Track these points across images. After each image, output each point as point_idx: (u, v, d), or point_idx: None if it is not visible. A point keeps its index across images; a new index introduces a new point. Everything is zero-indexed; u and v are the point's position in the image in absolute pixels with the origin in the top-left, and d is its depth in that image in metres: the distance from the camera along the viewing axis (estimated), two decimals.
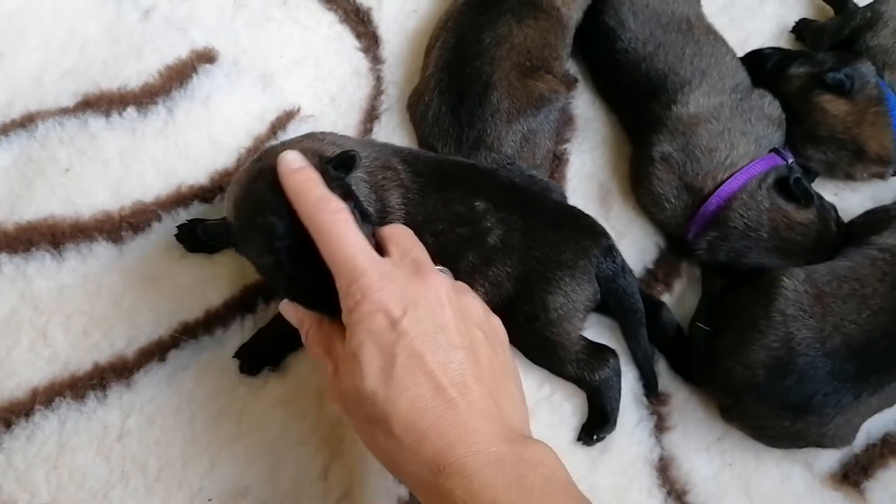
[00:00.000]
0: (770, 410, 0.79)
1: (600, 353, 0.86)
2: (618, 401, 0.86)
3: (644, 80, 0.98)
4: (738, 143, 0.87)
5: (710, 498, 0.82)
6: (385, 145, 0.91)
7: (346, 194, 0.73)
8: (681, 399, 0.88)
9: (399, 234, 0.70)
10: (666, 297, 0.95)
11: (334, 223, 0.65)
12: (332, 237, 0.64)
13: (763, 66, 0.99)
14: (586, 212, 0.97)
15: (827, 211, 0.85)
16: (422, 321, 0.62)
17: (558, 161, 1.05)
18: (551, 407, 0.88)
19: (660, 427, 0.87)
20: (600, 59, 1.05)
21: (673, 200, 0.88)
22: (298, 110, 1.06)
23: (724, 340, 0.83)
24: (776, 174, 0.86)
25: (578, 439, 0.86)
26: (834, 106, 0.90)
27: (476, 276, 0.85)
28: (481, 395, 0.61)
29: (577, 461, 0.85)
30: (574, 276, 0.85)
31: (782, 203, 0.85)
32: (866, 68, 0.92)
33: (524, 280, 0.85)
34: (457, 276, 0.84)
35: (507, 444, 0.58)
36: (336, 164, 0.74)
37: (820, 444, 0.81)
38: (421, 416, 0.59)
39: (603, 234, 0.89)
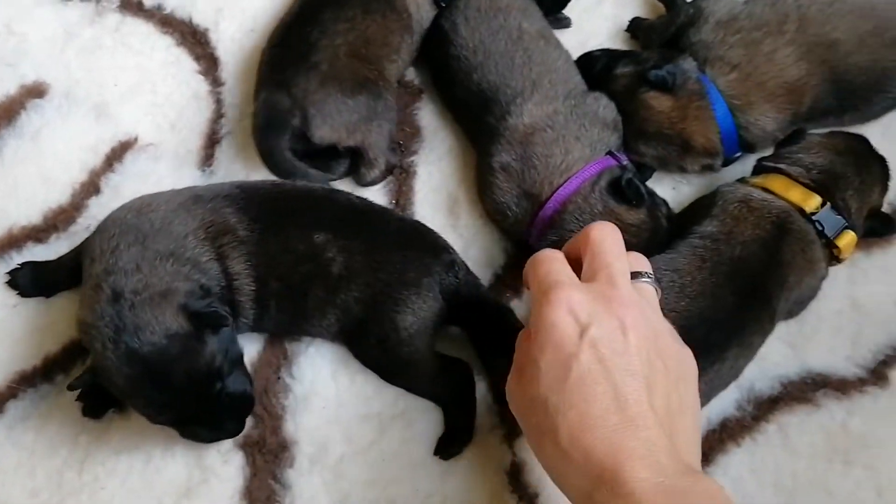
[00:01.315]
0: None
1: (453, 366, 0.87)
2: (473, 413, 0.86)
3: (477, 92, 0.98)
4: (573, 148, 0.88)
5: (561, 499, 0.82)
6: (217, 194, 0.89)
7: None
8: None
9: (601, 243, 0.68)
10: (515, 302, 0.95)
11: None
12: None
13: (593, 69, 1.00)
14: (435, 222, 0.98)
15: (658, 208, 0.87)
16: (604, 339, 0.61)
17: (406, 174, 1.04)
18: (405, 423, 0.88)
19: (511, 433, 0.87)
20: (438, 66, 1.06)
21: (514, 208, 0.89)
22: (136, 139, 1.04)
23: None
24: (609, 176, 0.87)
25: (436, 453, 0.85)
26: (659, 102, 0.92)
27: (325, 307, 0.86)
28: (654, 423, 0.59)
29: (429, 474, 0.85)
30: (420, 294, 0.85)
31: (614, 205, 0.86)
32: (688, 64, 0.94)
33: (372, 303, 0.85)
34: (306, 311, 0.86)
35: (679, 476, 0.57)
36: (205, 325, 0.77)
37: None
38: (588, 432, 0.59)
39: (445, 249, 0.90)
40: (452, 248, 0.92)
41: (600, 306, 0.62)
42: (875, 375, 0.89)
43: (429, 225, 0.98)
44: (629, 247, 0.82)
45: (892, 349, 0.91)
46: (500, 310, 0.91)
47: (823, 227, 0.84)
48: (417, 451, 0.87)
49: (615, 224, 0.82)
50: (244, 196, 0.88)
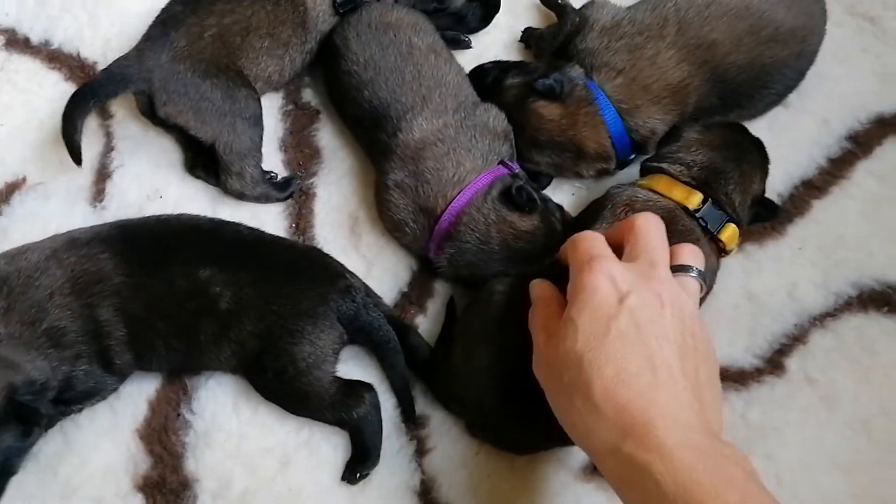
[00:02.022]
0: (501, 415, 0.82)
1: (356, 390, 0.86)
2: (379, 435, 0.86)
3: (369, 108, 0.98)
4: (465, 160, 0.89)
5: None
6: (94, 236, 0.88)
7: None
8: (438, 419, 0.89)
9: (646, 231, 0.72)
10: (421, 319, 0.95)
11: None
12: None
13: (485, 81, 1.01)
14: (336, 244, 0.99)
15: (551, 213, 0.88)
16: (642, 307, 0.65)
17: (305, 196, 1.04)
18: (310, 450, 0.88)
19: (420, 451, 0.88)
20: (332, 83, 1.05)
21: (412, 224, 0.89)
22: (24, 179, 1.01)
23: (457, 352, 0.84)
24: (501, 185, 0.87)
25: (343, 478, 0.84)
26: (548, 111, 0.93)
27: (220, 342, 0.85)
28: (685, 387, 0.62)
29: (338, 499, 0.85)
30: (316, 323, 0.85)
31: (507, 214, 0.86)
32: (574, 72, 0.95)
33: (268, 335, 0.85)
34: (200, 347, 0.85)
35: (708, 437, 0.60)
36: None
37: (561, 443, 0.83)
38: (623, 387, 0.62)
39: (340, 274, 0.90)
40: (349, 272, 0.91)
41: (640, 280, 0.66)
42: (772, 364, 0.91)
43: (330, 247, 0.98)
44: (524, 254, 0.83)
45: (786, 338, 0.93)
46: (401, 327, 0.90)
47: (707, 223, 0.84)
48: (324, 478, 0.86)
49: (511, 233, 0.83)
50: (123, 237, 0.87)
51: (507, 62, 1.06)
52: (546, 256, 0.89)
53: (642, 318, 0.64)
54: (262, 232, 0.93)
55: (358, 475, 0.84)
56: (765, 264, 0.98)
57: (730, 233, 0.86)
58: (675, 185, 0.86)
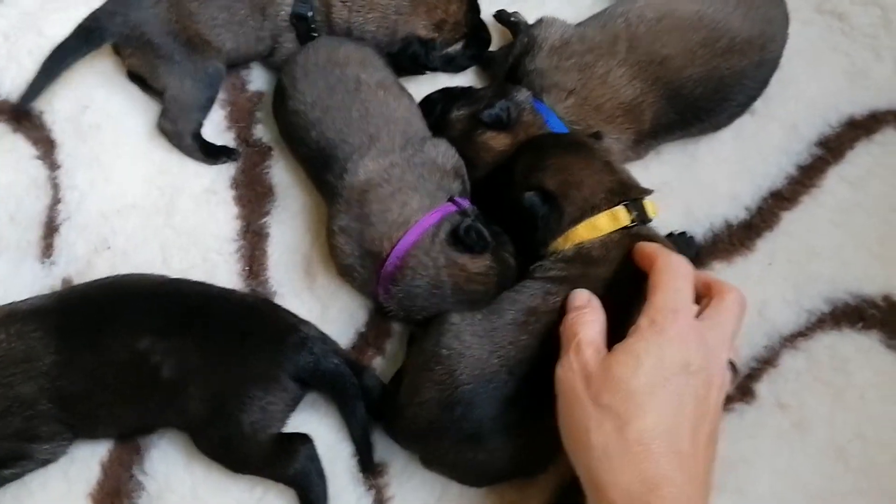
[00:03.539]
0: (452, 446, 0.79)
1: (290, 444, 0.84)
2: (321, 485, 0.83)
3: (317, 149, 0.95)
4: (411, 200, 0.86)
5: None
6: (31, 310, 0.87)
7: None
8: (399, 465, 0.86)
9: (732, 302, 0.74)
10: (378, 360, 0.93)
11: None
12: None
13: (432, 113, 0.97)
14: (291, 286, 0.97)
15: (504, 248, 0.84)
16: (700, 386, 0.67)
17: (258, 236, 1.01)
18: None
19: (379, 500, 0.85)
20: (282, 123, 1.03)
21: (359, 269, 0.86)
22: None
23: (404, 386, 0.82)
24: (449, 225, 0.83)
25: None
26: (497, 142, 0.90)
27: (166, 409, 0.84)
28: (705, 470, 0.66)
29: None
30: (267, 388, 0.83)
31: (457, 256, 0.83)
32: (522, 95, 0.92)
33: (215, 401, 0.83)
34: (146, 412, 0.84)
35: None
36: None
37: (515, 472, 0.82)
38: (659, 441, 0.63)
39: (292, 329, 0.87)
40: (303, 323, 0.89)
41: (708, 356, 0.68)
42: (741, 391, 0.88)
43: (285, 289, 0.97)
44: (478, 296, 0.80)
45: (756, 361, 0.90)
46: (356, 369, 0.88)
47: (644, 219, 0.84)
48: None
49: (462, 276, 0.80)
50: (61, 310, 0.86)
51: (454, 90, 1.02)
52: (501, 292, 0.85)
53: (697, 393, 0.66)
54: (209, 287, 0.91)
55: None
56: (734, 282, 0.93)
57: (650, 205, 0.84)
58: (600, 220, 0.82)
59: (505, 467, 0.80)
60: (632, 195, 0.83)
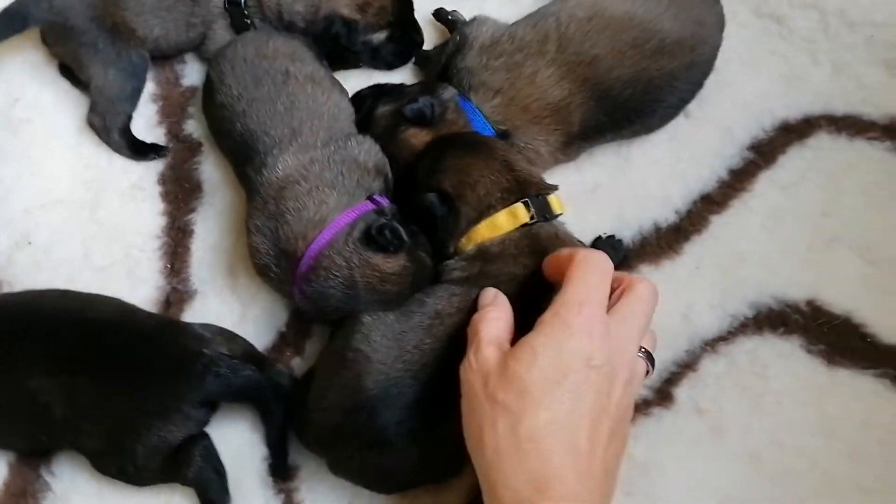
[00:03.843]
0: (357, 452, 0.78)
1: (186, 450, 0.82)
2: (220, 481, 0.82)
3: (240, 142, 0.94)
4: (328, 198, 0.84)
5: None
6: None
7: None
8: (310, 469, 0.85)
9: (644, 293, 0.72)
10: (297, 361, 0.91)
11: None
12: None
13: (360, 110, 0.96)
14: (213, 284, 0.97)
15: (421, 246, 0.82)
16: (603, 380, 0.64)
17: (182, 233, 1.00)
18: None
19: None
20: (209, 117, 1.02)
21: (275, 269, 0.84)
22: None
23: (312, 389, 0.81)
24: (364, 224, 0.81)
25: None
26: (418, 139, 0.89)
27: (60, 442, 0.83)
28: (601, 469, 0.64)
29: None
30: (167, 418, 0.81)
31: (370, 256, 0.81)
32: (447, 93, 0.91)
33: (111, 436, 0.81)
34: (42, 446, 0.84)
35: None
36: None
37: (424, 478, 0.81)
38: (551, 439, 0.61)
39: (197, 354, 0.83)
40: (208, 341, 0.86)
41: (613, 350, 0.66)
42: (660, 395, 0.87)
43: (206, 287, 0.97)
44: (393, 296, 0.78)
45: (676, 365, 0.89)
46: (273, 384, 0.86)
47: (546, 215, 0.84)
48: None
49: (376, 277, 0.79)
50: None
51: (384, 87, 1.01)
52: (415, 292, 0.83)
53: (598, 390, 0.64)
54: (111, 306, 0.89)
55: None
56: (660, 286, 0.92)
57: (555, 202, 0.84)
58: (499, 218, 0.82)
59: (413, 473, 0.79)
60: (531, 192, 0.82)
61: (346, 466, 0.81)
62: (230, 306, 0.93)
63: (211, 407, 0.82)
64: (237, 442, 0.87)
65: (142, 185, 1.04)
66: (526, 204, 0.80)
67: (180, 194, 1.02)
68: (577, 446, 0.62)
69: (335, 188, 0.87)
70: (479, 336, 0.69)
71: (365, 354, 0.77)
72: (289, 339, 0.94)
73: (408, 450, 0.75)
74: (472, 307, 0.77)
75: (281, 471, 0.84)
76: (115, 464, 0.79)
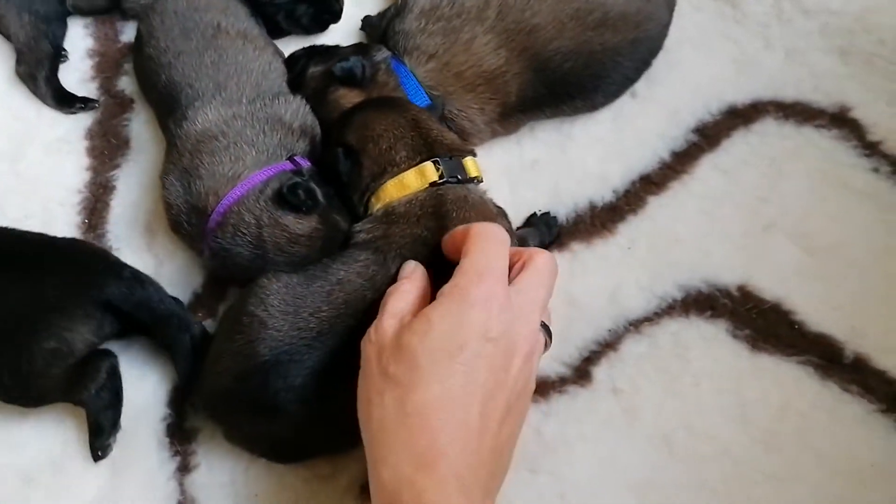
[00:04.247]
0: (247, 419, 0.75)
1: (92, 363, 0.79)
2: (115, 410, 0.80)
3: (164, 94, 0.92)
4: (245, 155, 0.82)
5: None
6: None
7: None
8: (208, 433, 0.82)
9: (544, 264, 0.69)
10: (209, 323, 0.88)
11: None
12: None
13: (293, 71, 0.94)
14: (131, 242, 0.95)
15: (336, 210, 0.80)
16: (500, 354, 0.62)
17: (103, 189, 0.98)
18: (55, 470, 0.83)
19: (183, 468, 0.82)
20: (138, 71, 1.00)
21: (186, 225, 0.82)
22: None
23: (209, 353, 0.78)
24: (279, 183, 0.78)
25: (94, 458, 0.80)
26: (347, 100, 0.87)
27: None
28: (491, 446, 0.61)
29: None
30: (64, 313, 0.79)
31: (280, 216, 0.79)
32: (380, 55, 0.89)
33: (8, 333, 0.78)
34: None
35: (486, 501, 0.60)
36: None
37: (320, 449, 0.78)
38: (440, 413, 0.58)
39: (100, 256, 0.85)
40: (119, 260, 0.86)
41: (512, 324, 0.63)
42: (578, 373, 0.85)
43: (122, 244, 0.95)
44: (301, 258, 0.75)
45: (597, 344, 0.86)
46: (182, 319, 0.84)
47: (458, 176, 0.80)
48: (68, 499, 0.82)
49: (284, 237, 0.76)
50: None
51: (318, 48, 0.98)
52: (325, 255, 0.81)
53: (494, 363, 0.61)
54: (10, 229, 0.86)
55: (98, 452, 0.78)
56: (590, 265, 0.91)
57: (470, 165, 0.81)
58: (408, 177, 0.79)
59: (307, 443, 0.77)
60: (440, 152, 0.77)
61: (239, 433, 0.78)
62: (145, 263, 0.91)
63: (116, 320, 0.80)
64: (138, 400, 0.84)
65: (68, 139, 1.01)
66: (436, 163, 0.76)
67: (106, 150, 1.00)
68: (468, 422, 0.59)
69: (254, 146, 0.85)
70: (385, 309, 0.66)
71: (260, 319, 0.74)
72: (203, 300, 0.91)
73: (300, 418, 0.72)
74: (373, 276, 0.75)
75: (188, 398, 0.84)
76: (9, 368, 0.75)
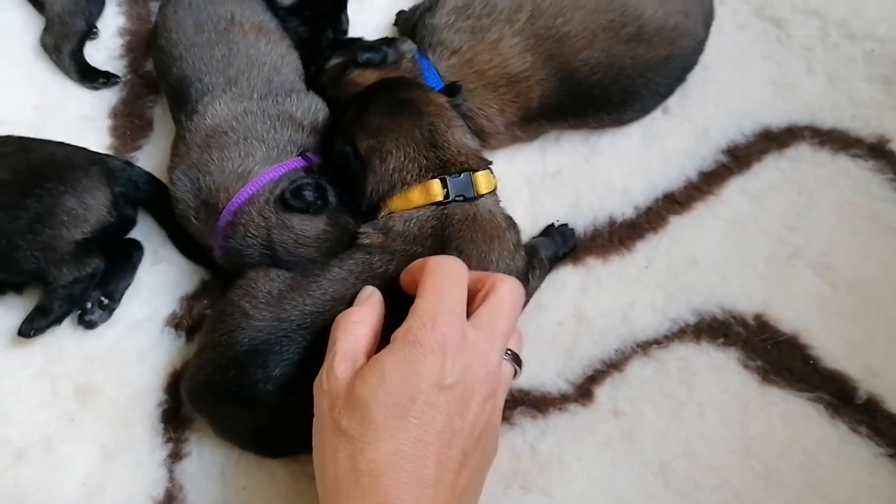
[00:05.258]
0: (228, 410, 0.75)
1: (86, 255, 0.85)
2: (68, 307, 0.85)
3: (175, 87, 0.91)
4: (255, 151, 0.81)
5: None
6: None
7: None
8: (203, 423, 0.80)
9: (505, 298, 0.65)
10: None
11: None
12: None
13: (315, 65, 0.94)
14: (145, 222, 0.95)
15: (347, 212, 0.78)
16: (456, 401, 0.59)
17: None
18: (46, 448, 0.85)
19: (175, 455, 0.82)
20: (154, 58, 1.00)
21: (195, 221, 0.82)
22: None
23: (197, 345, 0.78)
24: (289, 182, 0.78)
25: (20, 332, 0.84)
26: (363, 78, 0.86)
27: None
28: (448, 497, 0.58)
29: (67, 500, 0.80)
30: (89, 176, 0.85)
31: (288, 218, 0.78)
32: (406, 46, 0.88)
33: (35, 174, 0.84)
34: None
35: None
36: None
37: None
38: (393, 471, 0.56)
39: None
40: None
41: (469, 367, 0.60)
42: (579, 391, 0.83)
43: (138, 224, 0.95)
44: (309, 259, 0.75)
45: (602, 363, 0.84)
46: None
47: (464, 196, 0.76)
48: (57, 477, 0.83)
49: (291, 238, 0.76)
50: None
51: (342, 40, 0.97)
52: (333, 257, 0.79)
53: (450, 411, 0.59)
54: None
55: (32, 332, 0.83)
56: (604, 281, 0.89)
57: (482, 180, 0.78)
58: (413, 193, 0.77)
59: (289, 437, 0.75)
60: (451, 170, 0.76)
61: (222, 426, 0.78)
62: (157, 245, 0.91)
63: (121, 215, 0.88)
64: (137, 383, 0.85)
65: (92, 117, 1.02)
66: (443, 181, 0.74)
67: (129, 130, 1.00)
68: (422, 476, 0.57)
69: (264, 142, 0.84)
70: (335, 348, 0.63)
71: (243, 310, 0.74)
72: (210, 290, 0.92)
73: (278, 410, 0.71)
74: (364, 278, 0.74)
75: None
76: (33, 207, 0.83)
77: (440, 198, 0.76)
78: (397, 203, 0.77)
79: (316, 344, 0.70)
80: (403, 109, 0.80)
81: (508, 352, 0.67)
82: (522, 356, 0.71)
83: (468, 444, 0.60)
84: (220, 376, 0.73)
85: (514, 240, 0.78)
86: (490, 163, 0.80)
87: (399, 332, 0.60)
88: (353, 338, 0.63)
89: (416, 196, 0.76)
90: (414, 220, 0.75)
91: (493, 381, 0.62)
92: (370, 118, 0.80)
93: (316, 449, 0.62)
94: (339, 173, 0.81)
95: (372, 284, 0.72)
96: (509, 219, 0.80)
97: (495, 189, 0.80)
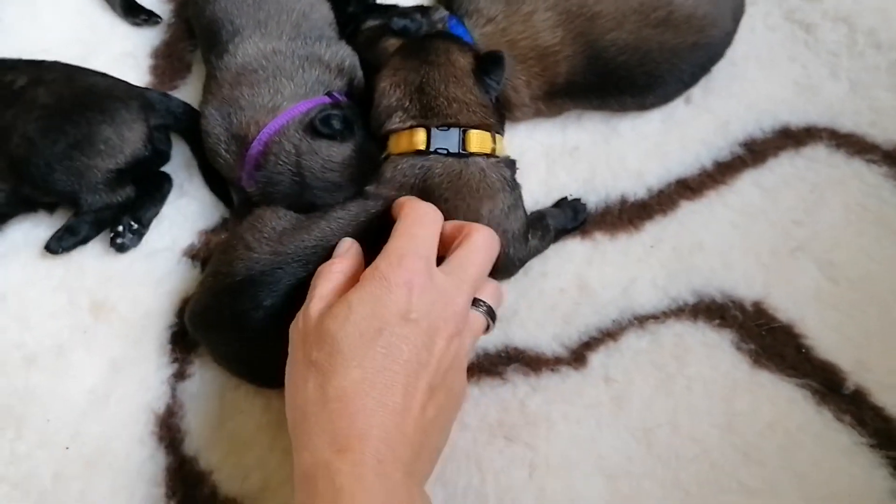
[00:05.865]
0: (222, 336, 0.79)
1: (119, 184, 0.88)
2: (94, 230, 0.90)
3: (207, 29, 0.95)
4: (284, 88, 0.84)
5: (202, 447, 0.78)
6: None
7: None
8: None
9: (477, 247, 0.69)
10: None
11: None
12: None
13: (348, 27, 0.98)
14: (176, 159, 0.98)
15: (369, 142, 0.82)
16: (422, 333, 0.61)
17: None
18: (59, 354, 0.88)
19: (178, 374, 0.85)
20: (190, 2, 1.03)
21: (225, 153, 0.85)
22: None
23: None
24: (317, 113, 0.81)
25: (47, 247, 0.88)
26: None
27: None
28: (417, 426, 0.60)
29: (70, 408, 0.83)
30: (129, 109, 0.88)
31: (316, 145, 0.81)
32: (438, 14, 0.89)
33: (73, 100, 0.87)
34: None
35: (408, 480, 0.59)
36: None
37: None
38: (361, 397, 0.58)
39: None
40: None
41: (435, 304, 0.63)
42: (573, 356, 0.85)
43: (169, 164, 0.97)
44: (336, 186, 0.78)
45: (598, 331, 0.87)
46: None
47: (447, 150, 0.78)
48: (66, 382, 0.86)
49: (319, 163, 0.78)
50: None
51: (375, 5, 1.00)
52: (361, 185, 0.84)
53: (416, 344, 0.61)
54: None
55: (60, 250, 0.87)
56: (610, 256, 0.91)
57: (473, 139, 0.79)
58: (402, 137, 0.80)
59: (282, 368, 0.76)
60: (434, 122, 0.79)
61: (217, 351, 0.82)
62: (179, 181, 0.93)
63: (162, 142, 0.92)
64: (151, 304, 0.89)
65: (134, 54, 1.05)
66: (428, 131, 0.78)
67: (168, 70, 1.04)
68: (388, 403, 0.59)
69: (293, 79, 0.88)
70: (314, 292, 0.66)
71: (246, 242, 0.78)
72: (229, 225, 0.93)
73: (269, 340, 0.72)
74: (360, 221, 0.78)
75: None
76: (72, 133, 0.86)
77: (422, 147, 0.79)
78: (392, 145, 0.81)
79: (308, 279, 0.73)
80: (415, 53, 0.84)
81: (483, 304, 0.69)
82: (499, 312, 0.74)
83: (435, 378, 0.62)
84: (216, 302, 0.77)
85: (509, 202, 0.81)
86: (496, 125, 0.83)
87: (368, 271, 0.63)
88: (333, 282, 0.66)
89: (403, 141, 0.80)
90: (400, 167, 0.80)
91: (459, 321, 0.65)
92: (393, 54, 0.84)
93: (287, 382, 0.64)
94: (364, 107, 0.84)
95: (366, 227, 0.75)
96: (509, 182, 0.83)
97: (494, 152, 0.83)
